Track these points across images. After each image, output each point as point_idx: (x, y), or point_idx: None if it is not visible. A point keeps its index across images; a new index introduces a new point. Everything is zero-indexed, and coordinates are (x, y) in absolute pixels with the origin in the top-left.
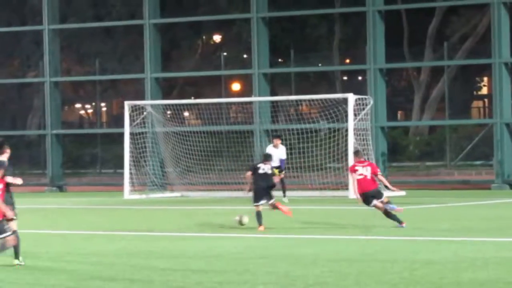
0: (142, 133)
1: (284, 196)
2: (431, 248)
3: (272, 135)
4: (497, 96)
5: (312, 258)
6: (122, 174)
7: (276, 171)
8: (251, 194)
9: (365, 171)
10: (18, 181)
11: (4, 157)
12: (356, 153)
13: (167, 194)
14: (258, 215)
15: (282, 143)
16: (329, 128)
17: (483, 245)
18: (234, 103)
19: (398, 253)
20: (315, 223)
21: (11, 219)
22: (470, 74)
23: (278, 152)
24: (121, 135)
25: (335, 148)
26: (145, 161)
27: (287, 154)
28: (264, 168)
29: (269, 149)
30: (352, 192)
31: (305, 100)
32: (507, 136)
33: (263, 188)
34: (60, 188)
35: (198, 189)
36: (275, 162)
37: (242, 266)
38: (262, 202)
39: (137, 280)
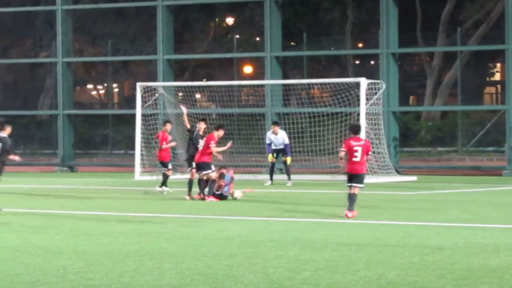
0: (154, 114)
1: (289, 179)
2: (442, 234)
3: (272, 122)
4: (510, 82)
5: (322, 242)
6: (133, 155)
7: (270, 156)
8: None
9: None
10: None
11: None
12: None
13: (178, 176)
14: None
15: (281, 128)
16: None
17: (494, 231)
18: (245, 86)
19: (408, 238)
20: (326, 207)
21: None
22: (483, 60)
23: (278, 137)
24: (133, 116)
25: (347, 132)
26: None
27: (295, 137)
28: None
29: (269, 135)
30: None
31: (317, 84)
32: None
33: None
34: (71, 169)
35: None
36: (277, 147)
37: (252, 249)
38: None
39: (147, 262)
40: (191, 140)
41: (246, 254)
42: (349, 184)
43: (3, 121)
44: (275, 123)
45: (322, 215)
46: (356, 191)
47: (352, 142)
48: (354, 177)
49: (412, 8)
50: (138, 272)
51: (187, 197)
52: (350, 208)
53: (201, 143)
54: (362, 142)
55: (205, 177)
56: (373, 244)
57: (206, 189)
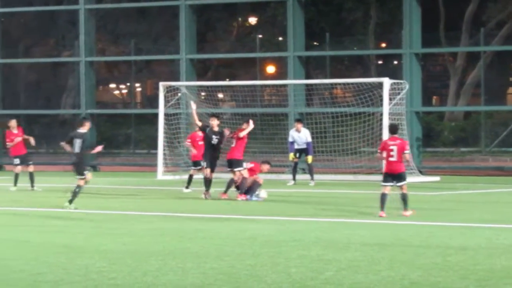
0: (176, 114)
1: (312, 179)
2: (464, 234)
3: (294, 119)
4: None
5: (344, 242)
6: (155, 154)
7: (292, 155)
8: None
9: None
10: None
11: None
12: None
13: (200, 176)
14: None
15: (304, 127)
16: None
17: None
18: (268, 86)
19: (431, 239)
20: (348, 207)
21: None
22: (506, 60)
23: (301, 135)
24: (155, 115)
25: (370, 132)
26: (178, 142)
27: (317, 137)
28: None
29: (292, 133)
30: None
31: (340, 84)
32: None
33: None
34: (94, 168)
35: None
36: (300, 146)
37: (275, 249)
38: None
39: (170, 261)
40: (204, 138)
41: (269, 253)
42: (385, 184)
43: (82, 118)
44: (298, 121)
45: (344, 215)
46: (404, 190)
47: (388, 142)
48: (396, 177)
49: (435, 8)
50: (161, 271)
51: (204, 195)
52: (406, 207)
53: (215, 140)
54: (397, 142)
55: (236, 177)
56: (395, 244)
57: (232, 188)
